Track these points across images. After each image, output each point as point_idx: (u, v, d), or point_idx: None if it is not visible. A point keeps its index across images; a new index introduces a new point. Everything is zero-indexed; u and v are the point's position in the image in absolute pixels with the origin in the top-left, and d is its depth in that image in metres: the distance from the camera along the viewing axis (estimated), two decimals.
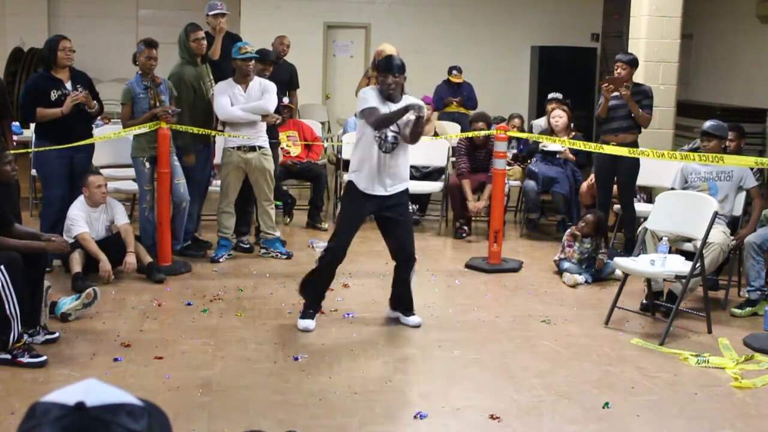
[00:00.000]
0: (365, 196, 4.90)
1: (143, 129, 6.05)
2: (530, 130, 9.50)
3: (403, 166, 4.98)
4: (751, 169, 6.36)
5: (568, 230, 6.54)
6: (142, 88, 6.08)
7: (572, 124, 7.91)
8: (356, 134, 5.05)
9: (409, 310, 5.14)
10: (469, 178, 7.58)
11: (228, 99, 6.28)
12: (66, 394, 0.98)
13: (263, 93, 6.38)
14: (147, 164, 6.16)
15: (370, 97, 4.85)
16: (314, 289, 5.04)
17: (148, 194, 6.22)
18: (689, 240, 5.53)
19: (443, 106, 9.84)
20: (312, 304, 5.04)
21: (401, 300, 5.15)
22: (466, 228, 7.63)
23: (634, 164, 6.71)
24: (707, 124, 5.95)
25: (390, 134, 4.85)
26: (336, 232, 5.01)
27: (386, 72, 4.85)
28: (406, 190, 5.05)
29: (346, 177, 5.25)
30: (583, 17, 12.95)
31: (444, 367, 4.45)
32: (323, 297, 5.11)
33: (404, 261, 5.06)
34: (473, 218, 7.76)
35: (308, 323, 4.94)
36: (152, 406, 1.04)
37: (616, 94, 6.62)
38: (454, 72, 9.94)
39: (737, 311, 5.51)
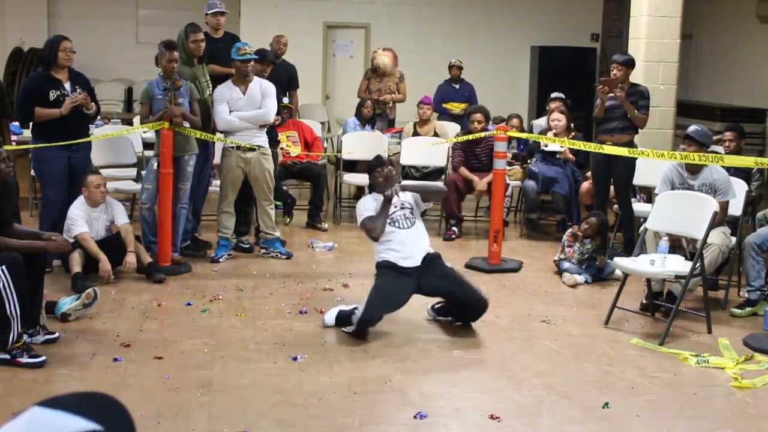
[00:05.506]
0: (398, 269, 4.89)
1: (145, 128, 6.05)
2: (530, 130, 9.49)
3: (425, 237, 5.07)
4: (751, 169, 6.35)
5: (569, 230, 6.53)
6: (161, 90, 6.07)
7: (572, 125, 7.90)
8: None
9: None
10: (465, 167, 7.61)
11: (226, 106, 6.27)
12: None
13: (263, 97, 6.36)
14: (156, 163, 6.14)
15: (366, 206, 5.02)
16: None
17: (146, 192, 6.21)
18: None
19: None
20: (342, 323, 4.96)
21: (466, 317, 5.04)
22: (455, 229, 7.58)
23: (630, 164, 6.68)
24: (691, 128, 5.69)
25: (399, 214, 4.98)
26: (366, 303, 4.76)
27: (378, 166, 5.05)
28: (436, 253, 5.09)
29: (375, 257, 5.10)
30: (583, 17, 12.95)
31: (444, 367, 4.44)
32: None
33: (477, 307, 4.92)
34: (464, 219, 7.76)
35: (330, 318, 4.99)
36: (106, 415, 0.92)
37: (612, 94, 6.61)
38: (453, 60, 10.02)
39: (737, 311, 5.50)
